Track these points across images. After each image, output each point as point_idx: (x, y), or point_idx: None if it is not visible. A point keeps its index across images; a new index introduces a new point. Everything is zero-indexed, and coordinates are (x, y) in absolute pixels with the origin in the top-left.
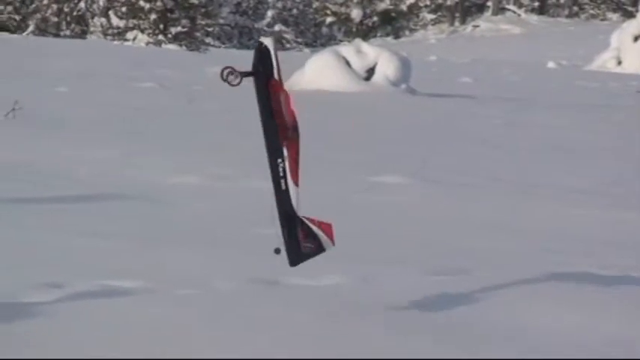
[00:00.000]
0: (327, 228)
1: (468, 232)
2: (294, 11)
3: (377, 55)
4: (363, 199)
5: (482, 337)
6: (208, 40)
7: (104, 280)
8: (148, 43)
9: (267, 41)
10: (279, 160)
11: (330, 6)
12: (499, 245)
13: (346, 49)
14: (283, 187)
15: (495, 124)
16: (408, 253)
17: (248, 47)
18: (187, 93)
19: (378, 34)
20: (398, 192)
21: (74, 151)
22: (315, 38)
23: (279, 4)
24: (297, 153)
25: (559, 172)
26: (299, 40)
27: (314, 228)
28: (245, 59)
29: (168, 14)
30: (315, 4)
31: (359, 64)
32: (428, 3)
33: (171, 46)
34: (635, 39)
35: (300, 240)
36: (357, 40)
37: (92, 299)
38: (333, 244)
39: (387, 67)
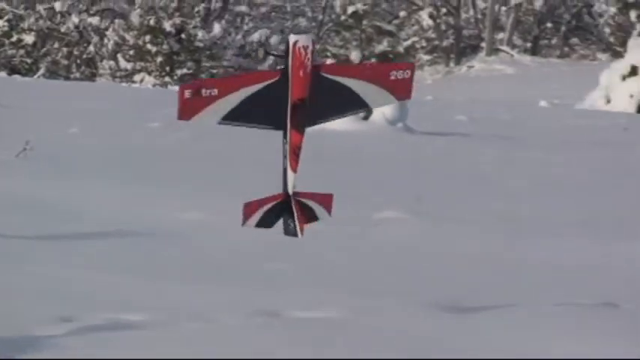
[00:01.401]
0: (325, 199)
1: (461, 265)
2: None
3: None
4: (362, 234)
5: None
6: None
7: (113, 314)
8: (154, 85)
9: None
10: (284, 141)
11: (330, 48)
12: (491, 278)
13: None
14: (283, 165)
15: (489, 160)
16: (404, 286)
17: None
18: (192, 132)
19: None
20: (396, 227)
21: (84, 189)
22: None
23: (281, 46)
24: (297, 144)
25: (550, 207)
26: None
27: (308, 202)
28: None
29: (174, 57)
30: (317, 46)
31: None
32: (424, 45)
33: (178, 88)
34: (623, 78)
35: (299, 216)
36: None
37: (101, 333)
38: (330, 214)
39: (384, 107)
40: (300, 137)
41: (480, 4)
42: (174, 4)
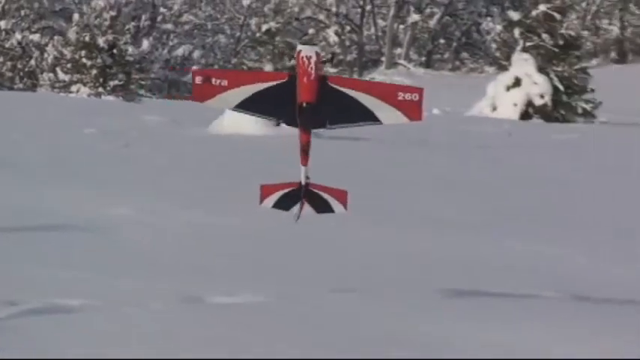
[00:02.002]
0: (340, 195)
1: (369, 254)
2: (216, 66)
3: None
4: (277, 227)
5: (388, 347)
6: (142, 91)
7: (52, 299)
8: (89, 95)
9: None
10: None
11: (247, 62)
12: (397, 268)
13: None
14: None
15: (382, 161)
16: (319, 273)
17: (175, 97)
18: (124, 138)
19: None
20: (308, 222)
21: (25, 189)
22: None
23: (203, 61)
24: (304, 142)
25: (442, 205)
26: None
27: (324, 195)
28: (173, 108)
29: (107, 70)
30: (234, 60)
31: None
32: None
33: (110, 97)
34: (508, 89)
35: (303, 204)
36: None
37: (44, 315)
38: (345, 208)
39: None
40: (307, 137)
41: (381, 23)
42: (107, 23)
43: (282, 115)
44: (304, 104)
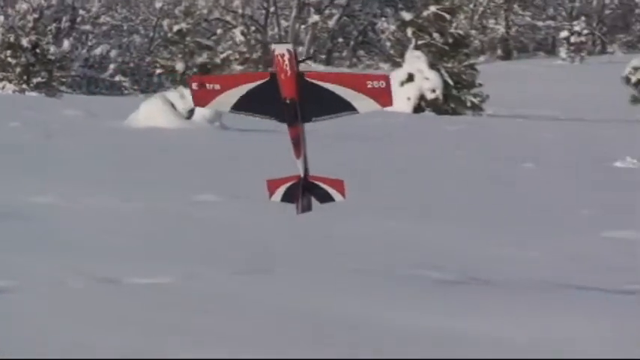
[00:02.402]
0: (338, 185)
1: (271, 237)
2: (131, 64)
3: None
4: (186, 213)
5: (287, 323)
6: (63, 88)
7: None
8: (14, 91)
9: (286, 46)
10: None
11: (160, 60)
12: (299, 248)
13: (172, 95)
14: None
15: (286, 150)
16: (225, 255)
17: (94, 93)
18: (46, 130)
19: None
20: (214, 207)
21: None
22: (148, 85)
23: (119, 59)
24: (292, 136)
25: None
26: (135, 87)
27: (323, 185)
28: (92, 102)
29: (31, 68)
30: (148, 59)
31: (182, 106)
32: (237, 57)
33: (34, 93)
34: (402, 84)
35: (301, 195)
36: (181, 88)
37: None
38: (344, 197)
39: (204, 109)
40: (294, 130)
41: (284, 23)
42: (30, 24)
43: (272, 113)
44: (287, 100)
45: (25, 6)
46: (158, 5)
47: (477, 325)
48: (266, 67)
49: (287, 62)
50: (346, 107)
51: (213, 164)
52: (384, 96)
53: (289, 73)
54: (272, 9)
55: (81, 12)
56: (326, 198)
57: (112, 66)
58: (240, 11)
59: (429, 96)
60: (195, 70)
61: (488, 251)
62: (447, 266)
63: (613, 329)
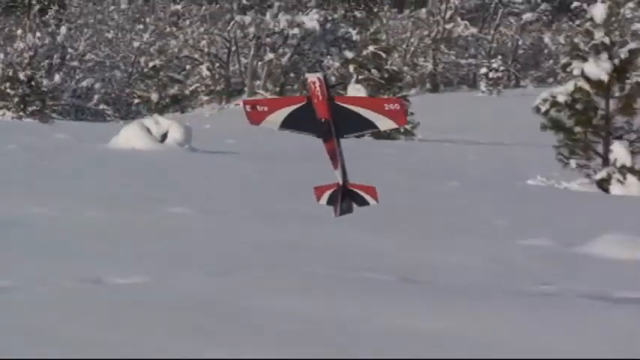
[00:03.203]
0: (371, 190)
1: (237, 245)
2: (113, 95)
3: (168, 124)
4: (161, 223)
5: (250, 318)
6: (54, 115)
7: None
8: (12, 117)
9: (316, 75)
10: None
11: (137, 91)
12: (262, 254)
13: (148, 121)
14: (341, 163)
15: (251, 171)
16: (195, 260)
17: (81, 120)
18: (41, 152)
19: (170, 110)
20: (185, 218)
21: None
22: (127, 113)
23: (103, 90)
24: (328, 150)
25: (298, 201)
26: (116, 114)
27: (359, 191)
28: (79, 128)
29: (27, 98)
30: (127, 90)
31: (156, 131)
32: (204, 89)
33: (29, 120)
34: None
35: (339, 201)
36: (155, 115)
37: None
38: (377, 201)
39: (175, 133)
40: (329, 145)
41: (243, 60)
42: (26, 61)
43: (312, 130)
44: (322, 120)
45: (22, 45)
46: (136, 45)
47: (417, 321)
48: (229, 98)
49: (318, 88)
50: (370, 126)
51: (185, 181)
52: (399, 116)
53: (321, 97)
54: (233, 48)
55: (70, 50)
56: (362, 202)
57: (96, 96)
58: (206, 50)
59: None
60: (167, 100)
61: (420, 256)
62: (387, 270)
63: (530, 321)
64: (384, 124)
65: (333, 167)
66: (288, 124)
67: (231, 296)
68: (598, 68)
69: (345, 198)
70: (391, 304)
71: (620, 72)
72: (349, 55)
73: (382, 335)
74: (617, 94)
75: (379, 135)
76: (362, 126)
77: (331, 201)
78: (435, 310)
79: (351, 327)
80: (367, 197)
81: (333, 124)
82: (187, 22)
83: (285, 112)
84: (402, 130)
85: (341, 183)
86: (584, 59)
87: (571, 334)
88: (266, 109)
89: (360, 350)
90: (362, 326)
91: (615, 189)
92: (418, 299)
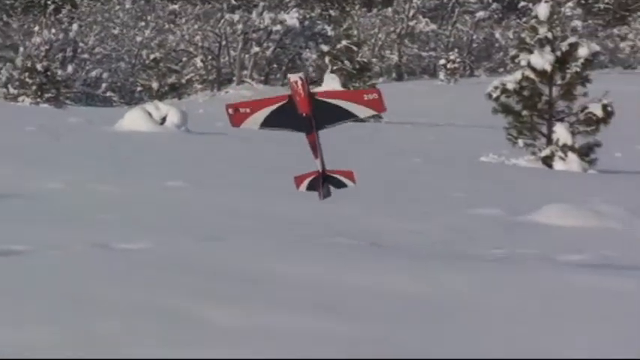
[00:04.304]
0: (349, 174)
1: (228, 214)
2: (119, 84)
3: (167, 109)
4: (160, 195)
5: (239, 279)
6: (67, 101)
7: (6, 245)
8: (31, 104)
9: (298, 75)
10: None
11: (140, 80)
12: (250, 223)
13: (149, 106)
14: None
15: (238, 149)
16: (187, 226)
17: (91, 105)
18: (56, 133)
19: (169, 97)
20: (182, 191)
21: None
22: (131, 99)
23: (109, 79)
24: (310, 142)
25: (283, 178)
26: (121, 100)
27: (338, 176)
28: (89, 112)
29: (43, 86)
30: (131, 79)
31: (157, 115)
32: (198, 78)
33: (45, 105)
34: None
35: (321, 186)
36: (156, 101)
37: None
38: (355, 183)
39: (173, 117)
40: (311, 138)
41: (232, 53)
42: (42, 53)
43: (292, 126)
44: (304, 115)
45: (38, 39)
46: (138, 39)
47: (381, 279)
48: (220, 86)
49: (300, 87)
50: (349, 115)
51: (181, 159)
52: (377, 105)
53: (303, 94)
54: (224, 42)
55: (81, 44)
56: (341, 185)
57: (104, 85)
58: (200, 44)
59: None
60: (166, 88)
61: (386, 224)
62: (355, 235)
63: (487, 282)
64: (364, 112)
65: (313, 157)
66: (268, 122)
67: (221, 259)
68: (542, 59)
69: (325, 183)
70: (361, 266)
71: (561, 63)
72: (325, 48)
73: (362, 294)
74: (559, 82)
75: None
76: (342, 116)
77: (312, 187)
78: (399, 272)
79: (331, 284)
80: (346, 180)
81: (313, 119)
82: (183, 19)
83: (265, 111)
84: None
85: (320, 170)
86: (530, 52)
87: (523, 291)
88: (248, 110)
89: (350, 309)
90: (340, 284)
91: (558, 165)
92: (386, 262)
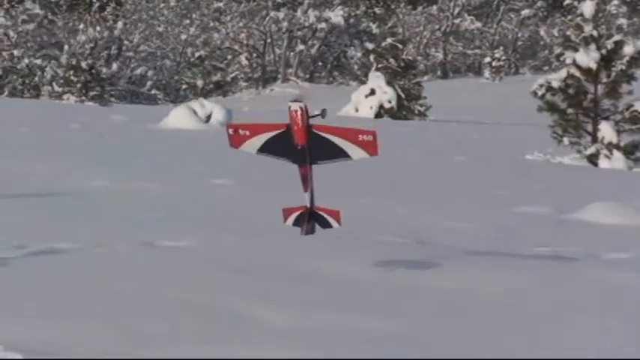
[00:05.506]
0: (335, 214)
1: (269, 212)
2: (164, 82)
3: (212, 107)
4: (205, 193)
5: (280, 275)
6: (112, 99)
7: (48, 244)
8: (75, 101)
9: (299, 104)
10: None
11: (185, 78)
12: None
13: (194, 104)
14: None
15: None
16: (233, 224)
17: (136, 103)
18: (100, 131)
19: (214, 95)
20: (227, 189)
21: (29, 165)
22: (176, 97)
23: (154, 77)
24: (301, 174)
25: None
26: (166, 98)
27: (324, 214)
28: (134, 110)
29: (88, 84)
30: (176, 77)
31: (202, 113)
32: (242, 76)
33: (90, 103)
34: (366, 96)
35: (306, 221)
36: (201, 99)
37: (42, 255)
38: (340, 224)
39: (218, 115)
40: (303, 170)
41: (277, 51)
42: (87, 51)
43: (287, 155)
44: (299, 146)
45: (83, 37)
46: (183, 37)
47: (429, 278)
48: (265, 84)
49: (299, 116)
50: (342, 154)
51: (226, 157)
52: (371, 147)
53: (301, 125)
54: (269, 40)
55: (125, 42)
56: (326, 224)
57: (149, 83)
58: (245, 42)
59: (387, 105)
60: (211, 85)
61: (431, 222)
62: (402, 233)
63: (534, 281)
64: (357, 153)
65: (303, 189)
66: (265, 148)
67: (271, 258)
68: (587, 57)
69: (311, 220)
70: (410, 264)
71: (606, 61)
72: (370, 46)
73: (395, 287)
74: (604, 80)
75: (396, 116)
76: (336, 154)
77: (297, 222)
78: (446, 270)
79: (371, 283)
80: (331, 220)
81: (308, 151)
82: (228, 17)
83: (264, 137)
84: (416, 111)
85: (309, 206)
86: (576, 50)
87: (568, 290)
88: (247, 133)
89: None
90: (383, 283)
91: (603, 163)
92: (433, 261)
